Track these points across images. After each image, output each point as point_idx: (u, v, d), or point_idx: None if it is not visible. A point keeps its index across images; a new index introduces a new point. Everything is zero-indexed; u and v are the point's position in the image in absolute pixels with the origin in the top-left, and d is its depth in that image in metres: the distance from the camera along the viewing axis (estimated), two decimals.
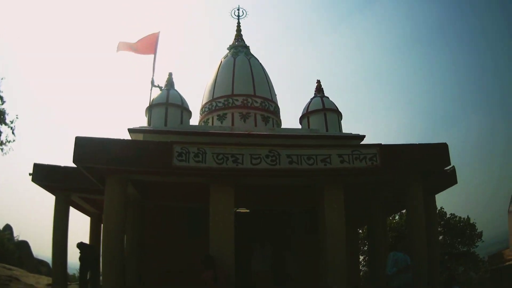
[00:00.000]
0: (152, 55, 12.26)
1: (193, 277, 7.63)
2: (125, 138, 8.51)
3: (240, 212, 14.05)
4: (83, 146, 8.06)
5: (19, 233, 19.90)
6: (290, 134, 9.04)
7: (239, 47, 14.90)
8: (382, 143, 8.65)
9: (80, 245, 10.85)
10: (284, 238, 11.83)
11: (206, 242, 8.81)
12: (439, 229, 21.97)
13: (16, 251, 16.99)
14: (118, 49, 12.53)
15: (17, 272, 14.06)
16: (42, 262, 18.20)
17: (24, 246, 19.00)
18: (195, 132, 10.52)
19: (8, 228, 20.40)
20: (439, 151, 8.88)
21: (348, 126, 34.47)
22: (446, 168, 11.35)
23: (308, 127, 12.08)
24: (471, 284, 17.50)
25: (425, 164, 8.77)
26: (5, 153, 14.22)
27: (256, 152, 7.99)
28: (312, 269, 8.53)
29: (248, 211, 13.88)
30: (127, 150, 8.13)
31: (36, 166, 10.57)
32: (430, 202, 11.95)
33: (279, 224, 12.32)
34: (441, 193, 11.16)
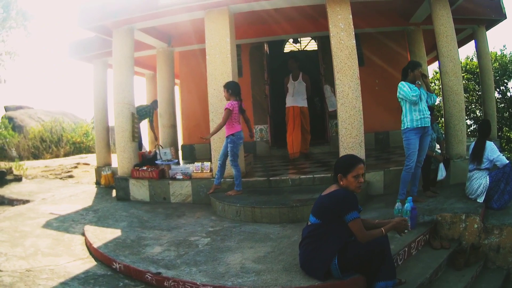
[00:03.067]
0: None
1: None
2: None
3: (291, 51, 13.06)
4: (85, 9, 7.68)
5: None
6: None
7: None
8: None
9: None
10: (325, 72, 10.32)
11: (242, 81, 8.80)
12: None
13: None
14: None
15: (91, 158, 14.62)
16: None
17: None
18: None
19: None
20: None
21: None
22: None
23: None
24: None
25: None
26: None
27: None
28: None
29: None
30: (122, 1, 7.30)
31: (71, 44, 10.43)
32: (479, 36, 9.95)
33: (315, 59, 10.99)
34: None
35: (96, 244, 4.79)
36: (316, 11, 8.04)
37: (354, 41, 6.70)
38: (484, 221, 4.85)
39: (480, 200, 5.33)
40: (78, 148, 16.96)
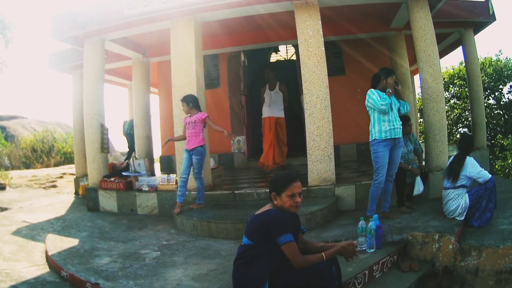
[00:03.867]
0: None
1: None
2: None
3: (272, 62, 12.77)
4: (56, 20, 7.54)
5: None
6: None
7: None
8: None
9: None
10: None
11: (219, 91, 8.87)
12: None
13: None
14: None
15: None
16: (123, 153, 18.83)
17: None
18: None
19: None
20: None
21: None
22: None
23: None
24: None
25: None
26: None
27: None
28: None
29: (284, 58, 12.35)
30: (89, 12, 7.20)
31: (50, 56, 10.29)
32: (467, 40, 9.44)
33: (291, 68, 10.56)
34: None
35: (51, 252, 4.82)
36: (290, 18, 7.73)
37: (323, 49, 6.30)
38: (461, 240, 4.36)
39: (460, 218, 4.82)
40: (69, 158, 16.73)
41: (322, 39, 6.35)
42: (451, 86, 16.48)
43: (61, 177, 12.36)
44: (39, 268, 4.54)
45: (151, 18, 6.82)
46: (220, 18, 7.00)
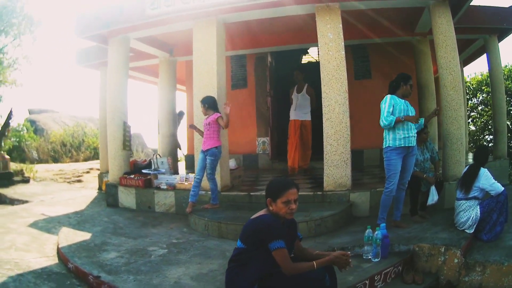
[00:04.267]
0: None
1: None
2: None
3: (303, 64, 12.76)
4: (80, 19, 7.72)
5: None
6: None
7: None
8: None
9: None
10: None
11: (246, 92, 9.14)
12: None
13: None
14: None
15: None
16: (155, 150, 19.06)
17: (137, 137, 20.16)
18: None
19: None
20: None
21: None
22: None
23: None
24: None
25: None
26: None
27: None
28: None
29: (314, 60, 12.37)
30: (113, 11, 7.34)
31: (78, 52, 10.56)
32: (491, 46, 9.21)
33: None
34: None
35: (61, 244, 4.92)
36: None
37: (343, 53, 6.24)
38: (468, 255, 4.21)
39: (470, 231, 4.66)
40: (98, 154, 17.11)
41: (343, 43, 6.29)
42: (479, 92, 16.04)
43: (88, 172, 12.62)
44: (48, 260, 4.64)
45: (173, 18, 6.91)
46: (241, 19, 7.05)
